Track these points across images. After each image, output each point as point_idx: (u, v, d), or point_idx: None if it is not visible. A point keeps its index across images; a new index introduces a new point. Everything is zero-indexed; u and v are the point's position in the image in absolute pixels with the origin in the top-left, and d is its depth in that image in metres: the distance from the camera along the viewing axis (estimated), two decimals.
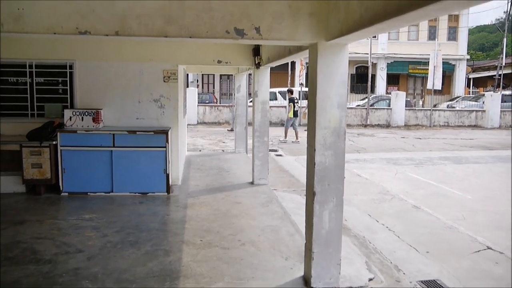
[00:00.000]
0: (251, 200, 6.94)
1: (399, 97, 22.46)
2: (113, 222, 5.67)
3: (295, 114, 15.21)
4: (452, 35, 35.59)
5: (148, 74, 7.58)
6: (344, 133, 3.83)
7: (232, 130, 18.05)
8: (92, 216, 5.89)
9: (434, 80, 22.50)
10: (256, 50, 7.54)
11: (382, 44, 33.88)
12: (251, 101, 17.09)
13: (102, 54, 7.45)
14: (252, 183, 8.09)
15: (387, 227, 6.22)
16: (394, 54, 33.33)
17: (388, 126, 22.22)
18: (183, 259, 4.52)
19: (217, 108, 22.38)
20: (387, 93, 32.54)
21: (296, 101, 15.48)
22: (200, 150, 13.18)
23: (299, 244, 4.99)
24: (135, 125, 7.61)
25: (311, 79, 3.83)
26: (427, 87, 23.57)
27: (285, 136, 15.65)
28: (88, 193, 7.03)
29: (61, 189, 6.95)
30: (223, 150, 13.20)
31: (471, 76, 38.04)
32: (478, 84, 38.16)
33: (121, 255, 4.58)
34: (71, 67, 7.46)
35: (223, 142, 15.15)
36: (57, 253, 4.57)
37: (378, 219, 6.55)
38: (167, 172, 7.12)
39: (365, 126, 21.96)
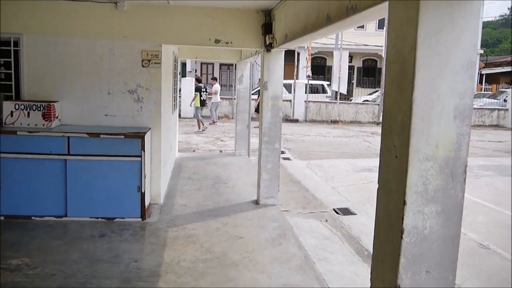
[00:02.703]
0: (257, 232, 5.02)
1: None
2: (49, 275, 3.74)
3: (202, 103, 15.51)
4: None
5: (121, 56, 5.63)
6: (465, 170, 1.89)
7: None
8: (22, 263, 3.96)
9: None
10: (267, 27, 5.58)
11: None
12: (253, 94, 15.32)
13: (59, 27, 5.49)
14: (257, 202, 6.17)
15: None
16: None
17: None
18: None
19: None
20: None
21: (203, 90, 15.68)
22: (194, 151, 11.25)
23: None
24: (103, 124, 5.68)
25: (393, 58, 1.91)
26: None
27: (199, 127, 15.38)
28: (32, 218, 5.10)
29: None
30: (221, 151, 11.27)
31: (484, 72, 36.08)
32: (490, 80, 36.23)
33: None
34: (16, 43, 5.50)
35: (221, 141, 13.21)
36: None
37: None
38: (142, 191, 5.19)
39: (378, 124, 19.99)
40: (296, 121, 19.56)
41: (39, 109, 5.24)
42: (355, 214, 6.32)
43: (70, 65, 5.57)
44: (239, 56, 9.46)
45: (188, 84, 19.64)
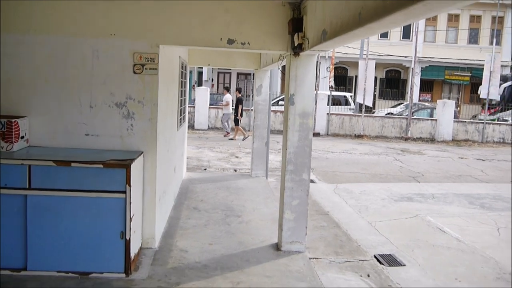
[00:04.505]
0: None
1: (447, 107, 18.90)
2: None
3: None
4: (495, 39, 32.16)
5: (107, 58, 4.38)
6: None
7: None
8: None
9: (490, 88, 18.96)
10: (296, 23, 4.28)
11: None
12: (273, 105, 14.09)
13: (29, 21, 4.28)
14: (278, 247, 4.83)
15: None
16: (430, 58, 29.91)
17: (432, 140, 18.71)
18: None
19: None
20: (419, 100, 29.29)
21: None
22: (205, 169, 9.96)
23: None
24: (83, 146, 4.42)
25: None
26: (481, 96, 20.01)
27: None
28: None
29: None
30: (235, 170, 9.96)
31: None
32: None
33: None
34: None
35: (236, 157, 11.91)
36: None
37: None
38: (127, 237, 3.89)
39: (406, 139, 18.50)
40: (318, 134, 18.19)
41: None
42: (404, 265, 4.92)
43: (42, 70, 4.34)
44: (257, 63, 8.19)
45: (202, 94, 18.53)
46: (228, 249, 4.76)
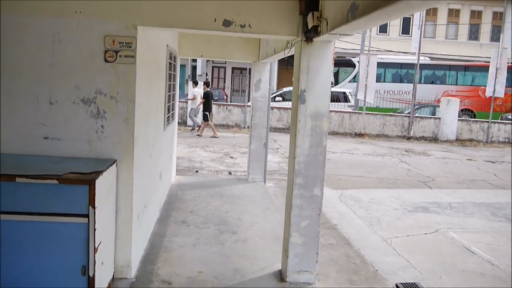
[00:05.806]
0: None
1: (451, 105, 18.09)
2: None
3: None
4: (496, 35, 31.45)
5: (71, 43, 3.48)
6: None
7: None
8: None
9: (496, 86, 18.14)
10: (310, 1, 3.38)
11: (415, 42, 29.77)
12: (273, 101, 13.17)
13: None
14: (282, 278, 3.95)
15: None
16: (430, 54, 29.09)
17: (435, 139, 17.90)
18: None
19: (226, 108, 18.24)
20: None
21: None
22: (197, 171, 9.07)
23: None
24: (41, 153, 3.53)
25: None
26: (486, 94, 19.17)
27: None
28: None
29: None
30: (230, 173, 9.08)
31: None
32: None
33: None
34: None
35: (231, 157, 11.01)
36: None
37: None
38: (90, 273, 3.01)
39: (408, 138, 17.68)
40: None
41: None
42: None
43: None
44: (256, 54, 7.29)
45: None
46: (222, 279, 3.88)
